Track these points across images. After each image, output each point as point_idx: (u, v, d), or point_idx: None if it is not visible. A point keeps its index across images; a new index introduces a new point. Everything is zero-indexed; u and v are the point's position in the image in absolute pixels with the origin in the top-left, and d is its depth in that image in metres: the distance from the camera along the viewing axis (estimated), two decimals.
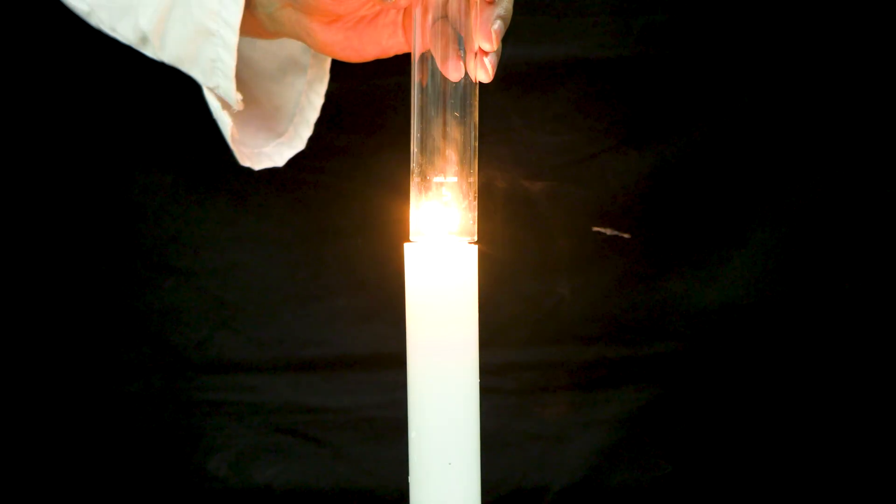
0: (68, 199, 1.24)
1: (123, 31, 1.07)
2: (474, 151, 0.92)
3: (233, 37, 1.00)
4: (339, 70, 1.10)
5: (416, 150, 0.91)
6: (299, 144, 1.11)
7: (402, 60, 0.96)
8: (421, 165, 0.91)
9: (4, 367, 1.25)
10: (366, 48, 0.99)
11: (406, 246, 0.90)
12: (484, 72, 0.91)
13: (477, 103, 0.91)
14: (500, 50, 0.92)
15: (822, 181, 1.23)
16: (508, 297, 1.21)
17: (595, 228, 0.91)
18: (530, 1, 1.17)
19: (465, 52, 0.91)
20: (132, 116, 1.22)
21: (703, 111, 1.22)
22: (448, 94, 0.91)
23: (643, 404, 1.24)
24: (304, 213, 1.22)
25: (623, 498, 1.24)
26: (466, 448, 0.90)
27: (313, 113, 1.11)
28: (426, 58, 0.91)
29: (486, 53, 0.91)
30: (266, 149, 1.10)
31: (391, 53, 1.00)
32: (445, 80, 0.91)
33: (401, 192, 0.94)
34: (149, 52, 1.06)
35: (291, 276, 1.23)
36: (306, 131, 1.11)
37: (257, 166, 1.10)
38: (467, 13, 0.91)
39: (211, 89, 1.04)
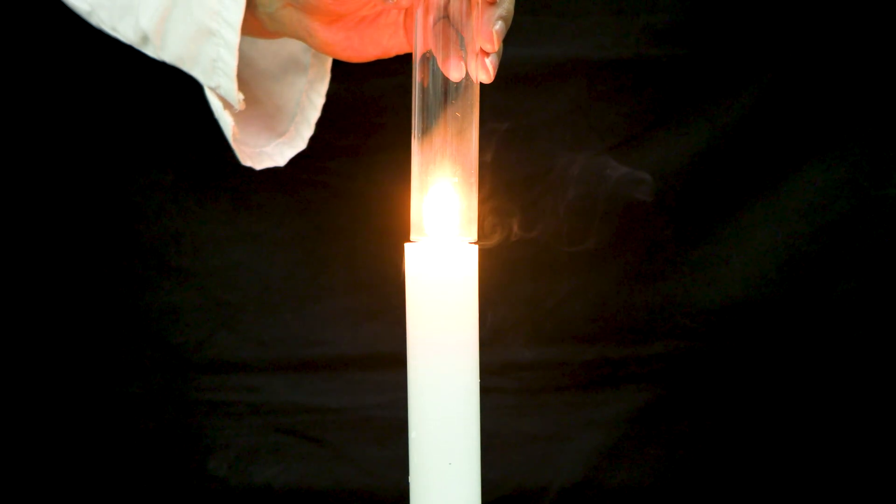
0: (68, 199, 1.24)
1: (124, 30, 1.07)
2: (475, 151, 0.92)
3: (234, 36, 1.00)
4: (341, 70, 1.10)
5: (416, 149, 0.91)
6: (300, 144, 1.11)
7: (404, 60, 0.96)
8: (421, 165, 0.91)
9: (4, 367, 1.25)
10: (367, 48, 0.99)
11: (406, 246, 0.90)
12: (485, 72, 0.91)
13: (478, 103, 0.92)
14: (501, 50, 0.92)
15: (822, 181, 1.24)
16: (508, 296, 1.22)
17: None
18: (530, 1, 1.17)
19: (466, 53, 0.91)
20: (133, 116, 1.23)
21: (703, 111, 1.22)
22: (449, 94, 0.91)
23: (643, 404, 1.24)
24: (304, 213, 1.22)
25: (623, 498, 1.24)
26: (466, 448, 0.90)
27: (314, 112, 1.11)
28: (427, 58, 0.91)
29: (487, 54, 0.91)
30: (267, 148, 1.10)
31: (392, 53, 1.00)
32: (446, 80, 0.91)
33: (401, 193, 0.94)
34: (150, 51, 1.06)
35: (291, 276, 1.23)
36: (307, 131, 1.11)
37: (258, 166, 1.10)
38: (468, 14, 0.91)
39: (212, 89, 1.04)
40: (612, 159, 1.21)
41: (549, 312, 1.22)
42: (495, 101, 1.18)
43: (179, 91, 1.17)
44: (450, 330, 0.89)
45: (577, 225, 1.21)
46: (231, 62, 1.01)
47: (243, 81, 1.07)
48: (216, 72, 1.02)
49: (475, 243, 0.91)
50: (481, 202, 0.93)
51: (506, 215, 1.19)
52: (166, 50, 1.05)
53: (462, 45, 0.91)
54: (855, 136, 1.23)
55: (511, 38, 0.95)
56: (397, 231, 0.99)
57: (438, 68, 0.91)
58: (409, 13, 0.98)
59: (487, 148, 1.18)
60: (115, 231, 1.24)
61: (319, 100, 1.11)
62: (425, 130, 0.91)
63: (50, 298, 1.24)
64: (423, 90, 0.91)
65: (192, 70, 1.04)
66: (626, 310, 1.23)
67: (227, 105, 1.04)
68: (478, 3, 0.91)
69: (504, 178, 1.19)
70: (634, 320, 1.23)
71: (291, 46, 1.10)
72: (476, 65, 0.91)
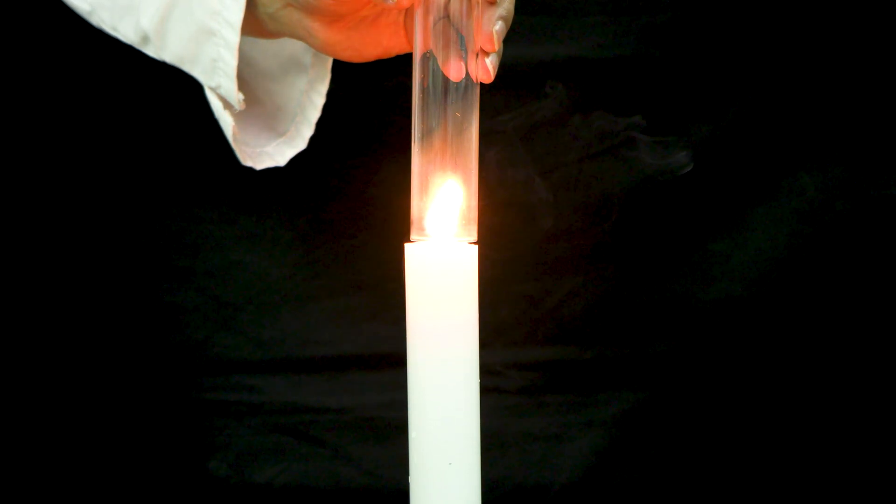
0: (68, 200, 1.24)
1: (125, 30, 1.07)
2: (475, 151, 0.92)
3: (234, 37, 1.00)
4: (341, 70, 1.10)
5: (416, 150, 0.91)
6: (301, 144, 1.11)
7: (404, 60, 0.96)
8: (422, 165, 0.91)
9: (5, 367, 1.25)
10: (367, 48, 0.99)
11: (406, 246, 0.91)
12: (485, 72, 0.92)
13: (478, 103, 0.92)
14: (502, 50, 0.92)
15: (821, 181, 1.24)
16: (508, 297, 1.22)
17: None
18: (530, 1, 1.17)
19: (466, 53, 0.91)
20: (133, 116, 1.23)
21: (702, 111, 1.22)
22: (449, 94, 0.91)
23: (643, 404, 1.24)
24: (304, 213, 1.22)
25: (623, 498, 1.24)
26: (466, 448, 0.90)
27: (315, 112, 1.11)
28: (427, 58, 0.91)
29: (487, 54, 0.91)
30: (268, 148, 1.10)
31: (393, 53, 1.00)
32: (447, 80, 0.91)
33: (401, 192, 0.94)
34: (150, 51, 1.07)
35: (291, 276, 1.23)
36: (308, 131, 1.11)
37: (259, 166, 1.10)
38: (469, 14, 0.91)
39: (212, 89, 1.04)
40: (612, 159, 1.21)
41: (549, 312, 1.22)
42: (495, 100, 1.18)
43: (179, 91, 1.17)
44: (450, 330, 0.89)
45: (577, 224, 1.21)
46: (231, 62, 1.01)
47: (244, 81, 1.07)
48: (216, 72, 1.02)
49: (475, 243, 0.91)
50: (481, 202, 0.93)
51: (506, 215, 1.19)
52: (167, 50, 1.05)
53: (462, 45, 0.91)
54: (854, 137, 1.23)
55: (511, 38, 0.95)
56: (397, 231, 0.99)
57: (439, 68, 0.91)
58: (409, 13, 0.98)
59: (487, 148, 1.18)
60: (115, 231, 1.24)
61: (320, 100, 1.11)
62: (425, 130, 0.91)
63: (50, 299, 1.24)
64: (424, 90, 0.91)
65: (193, 70, 1.04)
66: (626, 310, 1.23)
67: (227, 105, 1.04)
68: (478, 4, 0.91)
69: (504, 178, 1.19)
70: (634, 320, 1.23)
71: (292, 46, 1.10)
72: (476, 65, 0.91)
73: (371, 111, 1.20)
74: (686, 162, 1.19)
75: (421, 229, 0.91)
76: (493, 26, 0.91)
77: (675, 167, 1.19)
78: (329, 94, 1.11)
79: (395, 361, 1.18)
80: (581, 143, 1.21)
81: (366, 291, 1.22)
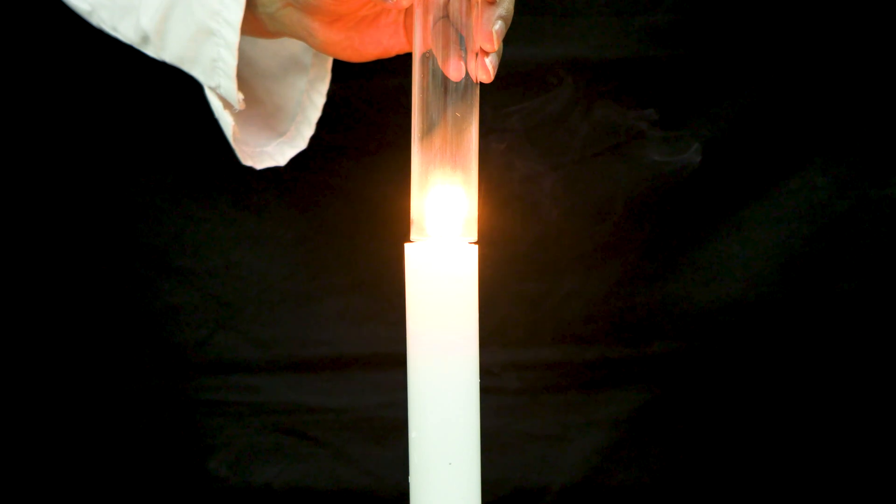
0: (68, 199, 1.24)
1: (125, 30, 1.07)
2: (475, 151, 0.92)
3: (234, 36, 1.00)
4: (341, 70, 1.10)
5: (416, 149, 0.91)
6: (301, 143, 1.11)
7: (404, 60, 0.96)
8: (422, 165, 0.91)
9: (4, 367, 1.25)
10: (367, 48, 0.99)
11: (406, 246, 0.91)
12: (484, 72, 0.92)
13: (478, 103, 0.92)
14: (501, 50, 0.92)
15: (822, 181, 1.24)
16: (508, 296, 1.22)
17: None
18: (530, 1, 1.17)
19: (465, 53, 0.91)
20: (133, 116, 1.23)
21: (703, 111, 1.22)
22: (449, 94, 0.91)
23: (643, 404, 1.24)
24: (304, 213, 1.22)
25: (623, 498, 1.24)
26: (466, 448, 0.90)
27: (315, 112, 1.11)
28: (427, 57, 0.91)
29: (487, 54, 0.91)
30: (268, 148, 1.10)
31: (392, 53, 1.00)
32: (447, 79, 0.91)
33: (401, 192, 0.94)
34: (150, 51, 1.07)
35: (291, 276, 1.23)
36: (308, 130, 1.11)
37: (259, 165, 1.10)
38: (468, 13, 0.91)
39: (212, 89, 1.04)
40: (612, 159, 1.21)
41: (549, 312, 1.22)
42: (495, 100, 1.18)
43: (179, 91, 1.17)
44: (450, 330, 0.89)
45: (578, 224, 1.21)
46: (231, 62, 1.01)
47: (244, 81, 1.07)
48: (216, 71, 1.02)
49: (475, 243, 0.91)
50: (481, 202, 0.93)
51: (507, 214, 1.19)
52: (167, 50, 1.05)
53: (462, 44, 0.91)
54: (855, 136, 1.23)
55: (511, 38, 0.95)
56: (397, 231, 0.99)
57: (438, 68, 0.91)
58: (409, 13, 0.98)
59: (487, 148, 1.18)
60: (115, 231, 1.24)
61: (320, 99, 1.11)
62: (425, 130, 0.91)
63: (50, 299, 1.24)
64: (424, 90, 0.91)
65: (193, 70, 1.04)
66: (626, 310, 1.23)
67: (227, 105, 1.04)
68: (477, 3, 0.91)
69: (504, 178, 1.19)
70: (634, 320, 1.23)
71: (292, 46, 1.10)
72: (476, 65, 0.91)
73: (371, 111, 1.20)
74: (695, 158, 1.19)
75: (421, 229, 0.91)
76: (492, 26, 0.91)
77: (684, 164, 1.19)
78: (329, 94, 1.11)
79: (395, 361, 1.18)
80: (582, 142, 1.21)
81: (366, 291, 1.22)
